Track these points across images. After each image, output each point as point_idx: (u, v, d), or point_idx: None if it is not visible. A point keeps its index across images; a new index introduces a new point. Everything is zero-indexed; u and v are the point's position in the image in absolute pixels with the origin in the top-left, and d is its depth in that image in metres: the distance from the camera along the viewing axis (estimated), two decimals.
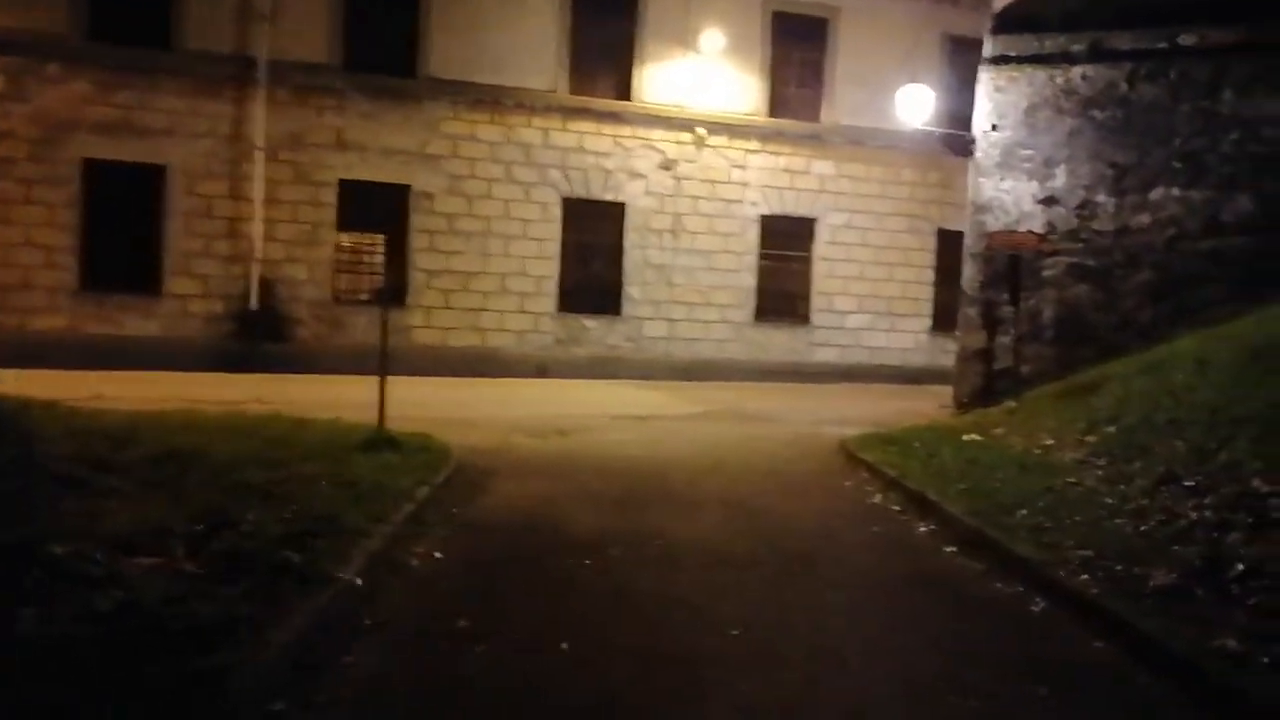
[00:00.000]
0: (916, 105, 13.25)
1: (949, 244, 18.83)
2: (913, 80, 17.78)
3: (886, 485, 7.52)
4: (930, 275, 19.14)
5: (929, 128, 13.40)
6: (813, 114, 18.43)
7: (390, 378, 14.91)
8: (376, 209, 16.22)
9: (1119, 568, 4.73)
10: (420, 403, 12.50)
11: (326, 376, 14.61)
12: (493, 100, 16.55)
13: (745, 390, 16.17)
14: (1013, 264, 11.36)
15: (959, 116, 15.27)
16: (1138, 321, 12.53)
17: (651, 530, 5.79)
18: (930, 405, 14.59)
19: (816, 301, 18.54)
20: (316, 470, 6.02)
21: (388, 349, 8.59)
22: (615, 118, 17.20)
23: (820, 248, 18.52)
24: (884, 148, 18.62)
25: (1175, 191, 12.38)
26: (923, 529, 6.17)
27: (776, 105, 18.17)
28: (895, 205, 18.83)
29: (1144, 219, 12.50)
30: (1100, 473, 7.15)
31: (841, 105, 18.38)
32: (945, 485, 6.90)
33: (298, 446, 6.90)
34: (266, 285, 15.65)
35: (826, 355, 18.53)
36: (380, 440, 7.33)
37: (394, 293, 16.23)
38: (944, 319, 18.83)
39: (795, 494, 7.32)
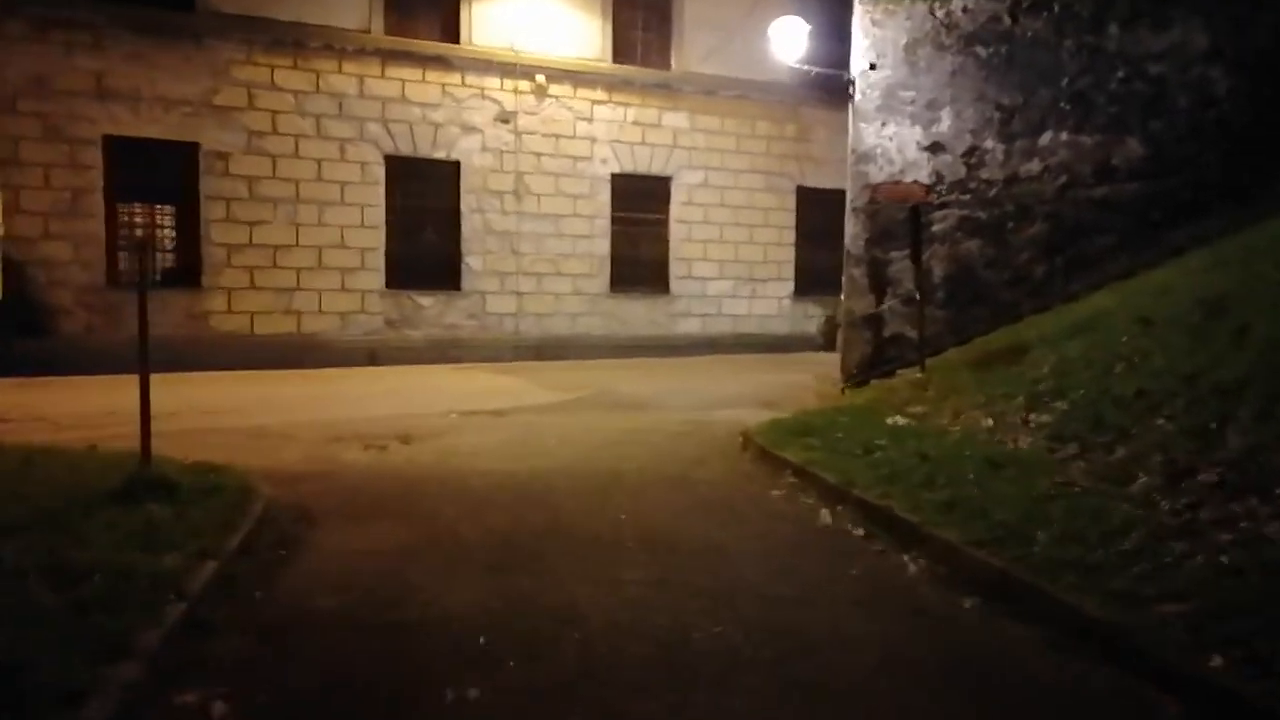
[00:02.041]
0: (791, 41, 11.79)
1: (809, 202, 17.80)
2: (764, 21, 16.44)
3: (829, 495, 6.00)
4: (791, 236, 17.99)
5: (806, 66, 11.98)
6: (662, 60, 16.79)
7: (183, 376, 12.35)
8: (158, 173, 13.44)
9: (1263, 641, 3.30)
10: (219, 409, 10.14)
11: (101, 378, 11.89)
12: (295, 41, 13.98)
13: (608, 369, 14.47)
14: (914, 216, 10.11)
15: (825, 62, 13.99)
16: (1031, 277, 11.63)
17: (558, 611, 3.96)
18: (810, 378, 13.38)
19: (675, 268, 17.02)
20: (20, 550, 3.86)
21: (152, 342, 6.29)
22: (442, 63, 14.97)
23: (677, 209, 16.99)
24: (737, 97, 17.24)
25: (1064, 135, 11.48)
26: (915, 568, 4.63)
27: (621, 51, 16.41)
28: (752, 161, 17.52)
29: (1034, 166, 11.56)
30: (1084, 465, 5.88)
31: (691, 51, 16.82)
32: (914, 497, 5.43)
33: (8, 502, 4.65)
34: (14, 268, 12.59)
35: (689, 326, 17.08)
36: (145, 483, 5.11)
37: (185, 272, 13.58)
38: (806, 283, 17.81)
39: (724, 517, 5.67)
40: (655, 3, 16.69)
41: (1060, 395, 7.24)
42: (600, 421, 9.61)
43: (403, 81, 14.72)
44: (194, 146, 13.50)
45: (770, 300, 17.80)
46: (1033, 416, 7.16)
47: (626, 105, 16.36)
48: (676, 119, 16.80)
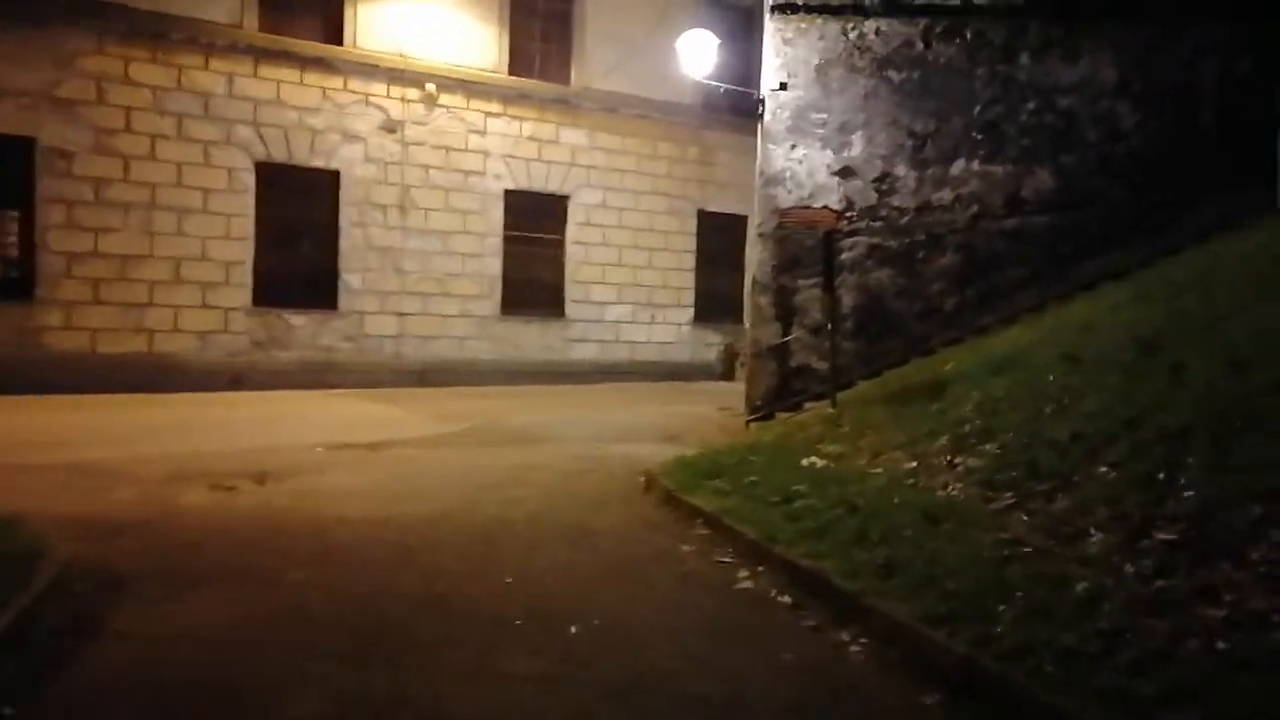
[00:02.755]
0: (699, 55, 11.19)
1: (711, 227, 17.29)
2: (668, 40, 15.89)
3: (749, 552, 5.24)
4: (692, 261, 17.40)
5: (715, 83, 11.39)
6: (561, 74, 16.02)
7: (8, 400, 10.84)
8: None
9: None
10: (42, 440, 8.77)
11: None
12: (155, 32, 12.64)
13: (498, 398, 13.50)
14: (826, 242, 9.56)
15: (733, 82, 13.47)
16: (942, 309, 11.27)
17: None
18: (713, 409, 12.74)
19: (571, 291, 16.19)
20: None
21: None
22: (323, 65, 13.84)
23: (574, 230, 16.18)
24: (639, 117, 16.61)
25: (976, 165, 11.21)
26: (859, 650, 3.88)
27: (518, 62, 15.57)
28: (653, 183, 16.88)
29: (945, 195, 11.24)
30: (1026, 518, 5.29)
31: (592, 65, 16.12)
32: (846, 556, 4.72)
33: None
34: None
35: (585, 352, 16.25)
36: None
37: (16, 283, 12.04)
38: (706, 309, 17.27)
39: (630, 581, 4.83)
40: (556, 13, 15.94)
41: (988, 437, 6.70)
42: (488, 458, 8.66)
43: (278, 83, 13.52)
44: (30, 142, 11.99)
45: (670, 327, 17.14)
46: (960, 460, 6.58)
47: (522, 119, 15.52)
48: (575, 136, 16.04)
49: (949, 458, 6.70)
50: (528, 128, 15.57)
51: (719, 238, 17.63)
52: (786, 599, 4.52)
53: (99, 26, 12.30)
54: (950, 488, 6.19)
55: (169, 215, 12.80)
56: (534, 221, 15.78)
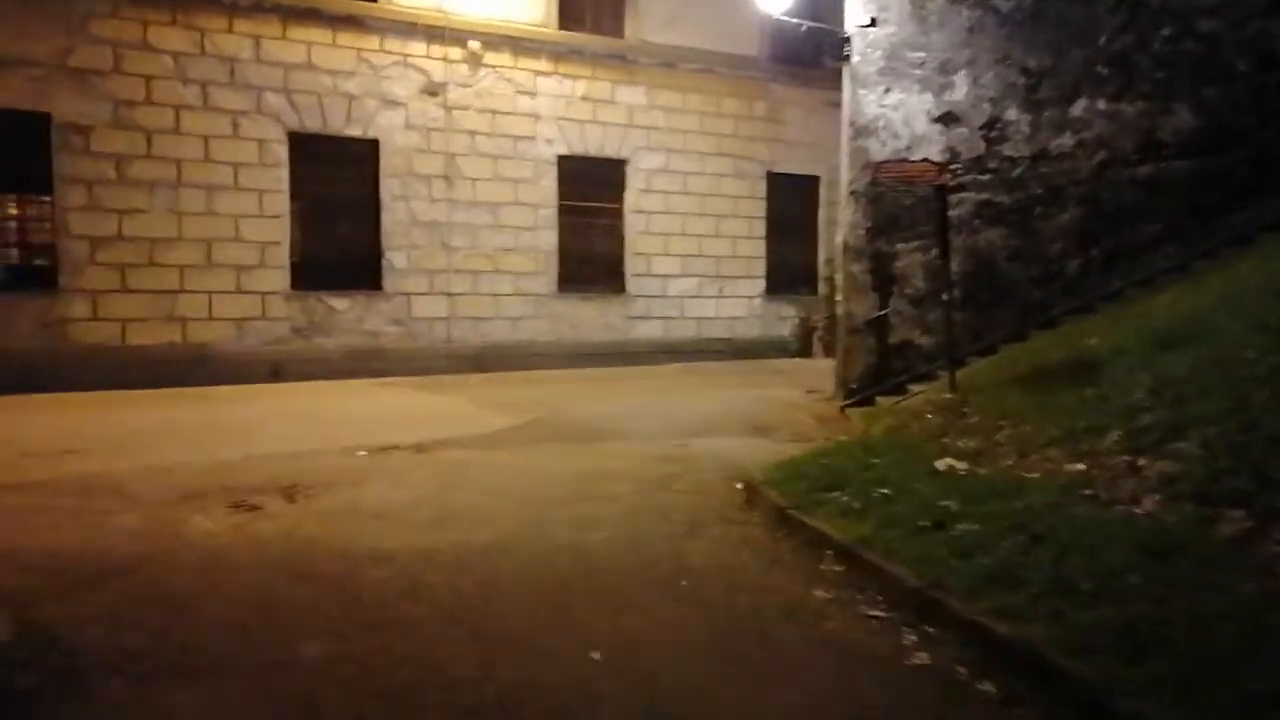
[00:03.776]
0: None
1: (781, 190, 15.88)
2: None
3: (909, 604, 3.95)
4: (762, 228, 16.00)
5: (795, 20, 9.97)
6: (615, 27, 14.67)
7: (30, 399, 9.96)
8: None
9: None
10: (49, 448, 7.76)
11: None
12: None
13: (557, 383, 12.32)
14: (940, 196, 8.15)
15: (812, 20, 12.01)
16: (1063, 273, 9.80)
17: None
18: (797, 392, 11.42)
19: (632, 264, 14.92)
20: None
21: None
22: (356, 24, 12.66)
23: (633, 197, 14.88)
24: (701, 71, 15.20)
25: (1102, 104, 9.67)
26: None
27: (569, 15, 14.25)
28: (718, 143, 15.49)
29: (1065, 140, 9.73)
30: None
31: (649, 16, 14.73)
32: (1055, 615, 3.41)
33: None
34: None
35: (648, 330, 15.00)
36: None
37: (37, 272, 11.14)
38: (778, 280, 15.90)
39: (758, 657, 3.56)
40: None
41: (1177, 432, 5.31)
42: (553, 460, 7.47)
43: (309, 45, 12.38)
44: (44, 118, 11.00)
45: (739, 300, 15.80)
46: (1146, 463, 5.22)
47: (575, 78, 14.21)
48: (633, 94, 14.69)
49: (1129, 459, 5.33)
50: (580, 87, 14.26)
51: (790, 201, 16.20)
52: (989, 687, 3.23)
53: None
54: (1144, 503, 4.84)
55: (197, 193, 11.77)
56: (590, 189, 14.52)
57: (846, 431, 8.59)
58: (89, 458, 7.40)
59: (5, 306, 10.87)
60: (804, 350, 16.17)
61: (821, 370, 13.70)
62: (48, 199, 11.20)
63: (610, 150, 14.59)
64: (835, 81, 16.36)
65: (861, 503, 5.23)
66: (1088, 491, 5.10)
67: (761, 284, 16.00)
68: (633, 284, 14.90)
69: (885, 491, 5.36)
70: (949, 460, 6.05)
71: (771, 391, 11.48)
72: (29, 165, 11.06)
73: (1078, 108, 9.61)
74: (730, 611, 4.03)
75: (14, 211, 11.30)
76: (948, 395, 7.99)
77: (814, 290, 16.54)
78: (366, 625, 3.85)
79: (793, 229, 16.29)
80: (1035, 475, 5.58)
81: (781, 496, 5.53)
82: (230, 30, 11.88)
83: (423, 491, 6.37)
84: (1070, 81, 9.59)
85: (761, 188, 15.92)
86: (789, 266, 16.25)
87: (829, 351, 16.14)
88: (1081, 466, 5.51)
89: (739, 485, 6.40)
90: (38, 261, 11.30)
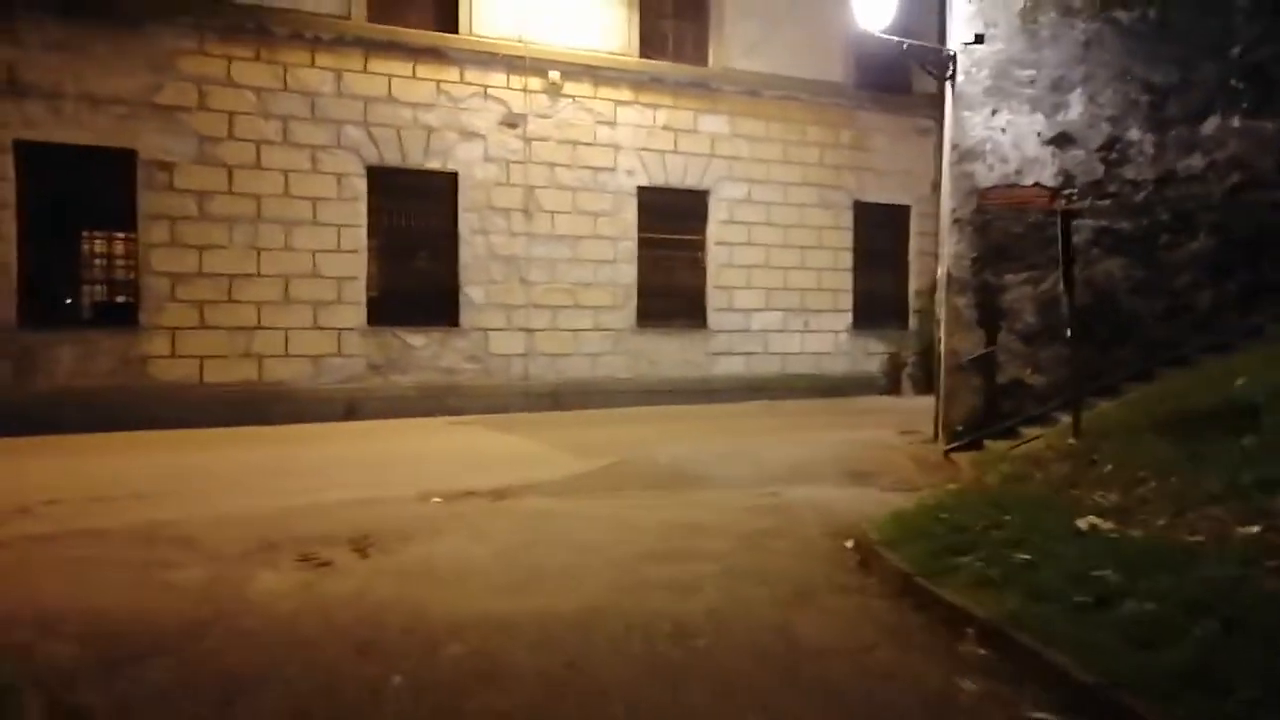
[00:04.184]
0: (877, 4, 9.21)
1: (868, 220, 15.25)
2: (813, 9, 13.99)
3: (1086, 707, 3.29)
4: (849, 260, 15.34)
5: (897, 39, 9.40)
6: (698, 55, 14.28)
7: (111, 438, 9.86)
8: (86, 185, 10.97)
9: None
10: (120, 491, 7.51)
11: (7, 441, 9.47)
12: (258, 27, 11.54)
13: (638, 423, 11.82)
14: (1064, 224, 7.45)
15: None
16: (1193, 307, 8.96)
17: None
18: (893, 433, 10.71)
19: (714, 298, 14.40)
20: None
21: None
22: (436, 55, 12.50)
23: (715, 229, 14.40)
24: (785, 98, 14.70)
25: (1236, 121, 8.87)
26: None
27: (650, 43, 13.92)
28: (803, 173, 14.93)
29: (1195, 162, 8.94)
30: None
31: (732, 43, 14.31)
32: None
33: None
34: None
35: (730, 366, 14.43)
36: None
37: (119, 308, 11.10)
38: (866, 314, 15.21)
39: None
40: None
41: None
42: (638, 511, 6.93)
43: (389, 77, 12.24)
44: (130, 155, 11.01)
45: (825, 335, 15.14)
46: None
47: (656, 107, 13.84)
48: (715, 123, 14.25)
49: None
50: (662, 116, 13.88)
51: (878, 232, 15.53)
52: None
53: (199, 24, 11.25)
54: None
55: (276, 229, 11.65)
56: (671, 221, 14.08)
57: (955, 479, 7.88)
58: (159, 503, 7.12)
59: (88, 344, 10.83)
60: (893, 388, 15.40)
61: (915, 409, 12.95)
62: (132, 235, 11.19)
63: (692, 181, 14.14)
64: (924, 108, 15.78)
65: (999, 570, 4.56)
66: (1273, 563, 4.36)
67: (848, 318, 15.32)
68: (714, 318, 14.37)
69: (1025, 556, 4.69)
70: (1091, 519, 5.33)
71: (864, 433, 10.79)
72: (114, 202, 11.08)
73: (1209, 126, 8.83)
74: (867, 708, 3.42)
75: (99, 248, 11.31)
76: (1072, 441, 7.24)
77: (904, 325, 15.80)
78: (439, 714, 3.35)
79: (881, 260, 15.61)
80: (1199, 539, 4.85)
81: (903, 560, 4.89)
82: (312, 64, 11.81)
83: (502, 546, 5.89)
84: (1200, 97, 8.83)
85: (848, 218, 15.28)
86: (877, 300, 15.55)
87: (920, 389, 15.36)
88: (1256, 529, 4.76)
89: (848, 544, 5.77)
90: (120, 298, 11.28)
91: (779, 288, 14.77)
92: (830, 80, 14.91)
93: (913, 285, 15.87)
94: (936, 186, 15.87)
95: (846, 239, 15.28)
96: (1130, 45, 8.90)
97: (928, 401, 14.32)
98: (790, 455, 9.37)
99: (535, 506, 7.12)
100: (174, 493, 7.55)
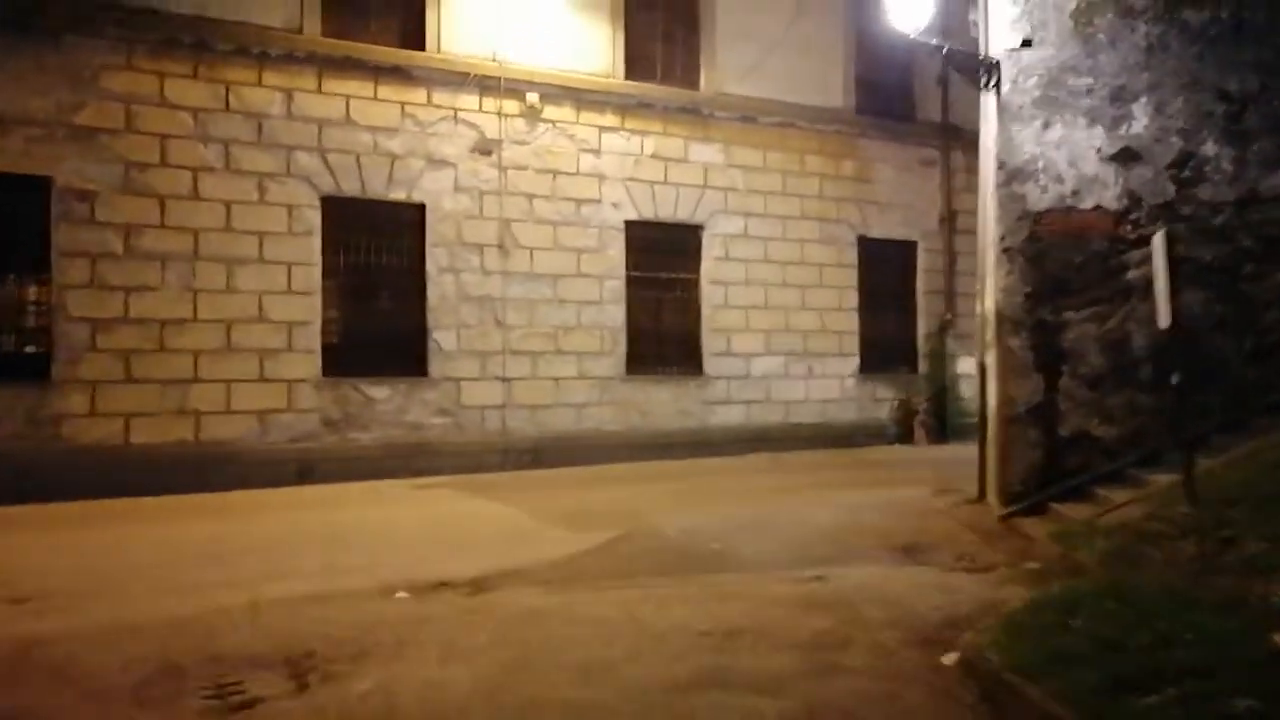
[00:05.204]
0: (911, 3, 8.04)
1: (874, 256, 14.08)
2: (813, 31, 12.94)
3: None
4: (854, 299, 14.12)
5: (934, 41, 8.23)
6: (688, 78, 13.12)
7: (18, 510, 8.36)
8: None
9: None
10: (13, 587, 5.97)
11: None
12: (196, 41, 10.19)
13: (633, 483, 10.38)
14: (1170, 248, 6.18)
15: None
16: None
17: None
18: (925, 491, 9.41)
19: (710, 342, 13.08)
20: None
21: None
22: (401, 75, 11.21)
23: (709, 266, 13.13)
24: (782, 125, 13.58)
25: None
26: None
27: (637, 65, 12.74)
28: (803, 205, 13.76)
29: None
30: None
31: (725, 66, 13.18)
32: None
33: None
34: None
35: (729, 416, 13.07)
36: None
37: (28, 360, 9.56)
38: (873, 358, 13.96)
39: None
40: (680, 6, 13.09)
41: None
42: (655, 608, 5.48)
43: (347, 98, 10.92)
44: (45, 183, 9.55)
45: (830, 381, 13.85)
46: None
47: (644, 134, 12.62)
48: (708, 152, 13.06)
49: None
50: (650, 144, 12.66)
51: (884, 270, 14.37)
52: None
53: (128, 37, 9.88)
54: None
55: (216, 267, 10.20)
56: (661, 258, 12.80)
57: (1031, 555, 6.55)
58: (46, 609, 5.57)
59: None
60: (905, 436, 14.13)
61: (939, 462, 11.67)
62: (45, 275, 9.68)
63: (684, 214, 12.89)
64: (929, 136, 14.71)
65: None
66: None
67: (855, 362, 14.06)
68: (711, 364, 13.03)
69: (1247, 703, 3.30)
70: None
71: (893, 491, 9.44)
72: (24, 237, 9.58)
73: None
74: None
75: (6, 291, 9.77)
76: (1186, 510, 5.93)
77: (913, 368, 14.58)
78: None
79: (888, 300, 14.43)
80: None
81: (1060, 703, 3.48)
82: (259, 83, 10.46)
83: (484, 669, 4.42)
84: None
85: (852, 254, 14.10)
86: (885, 342, 14.33)
87: (934, 438, 14.10)
88: None
89: (946, 659, 4.38)
90: (29, 349, 9.71)
91: (780, 330, 13.49)
92: (831, 106, 13.82)
93: (921, 327, 14.69)
94: (944, 220, 14.85)
95: (851, 277, 14.07)
96: (1200, 49, 7.78)
97: (948, 452, 13.11)
98: (818, 522, 7.99)
99: (524, 603, 5.65)
100: (71, 592, 5.99)
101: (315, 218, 10.71)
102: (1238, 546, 5.16)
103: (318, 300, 10.72)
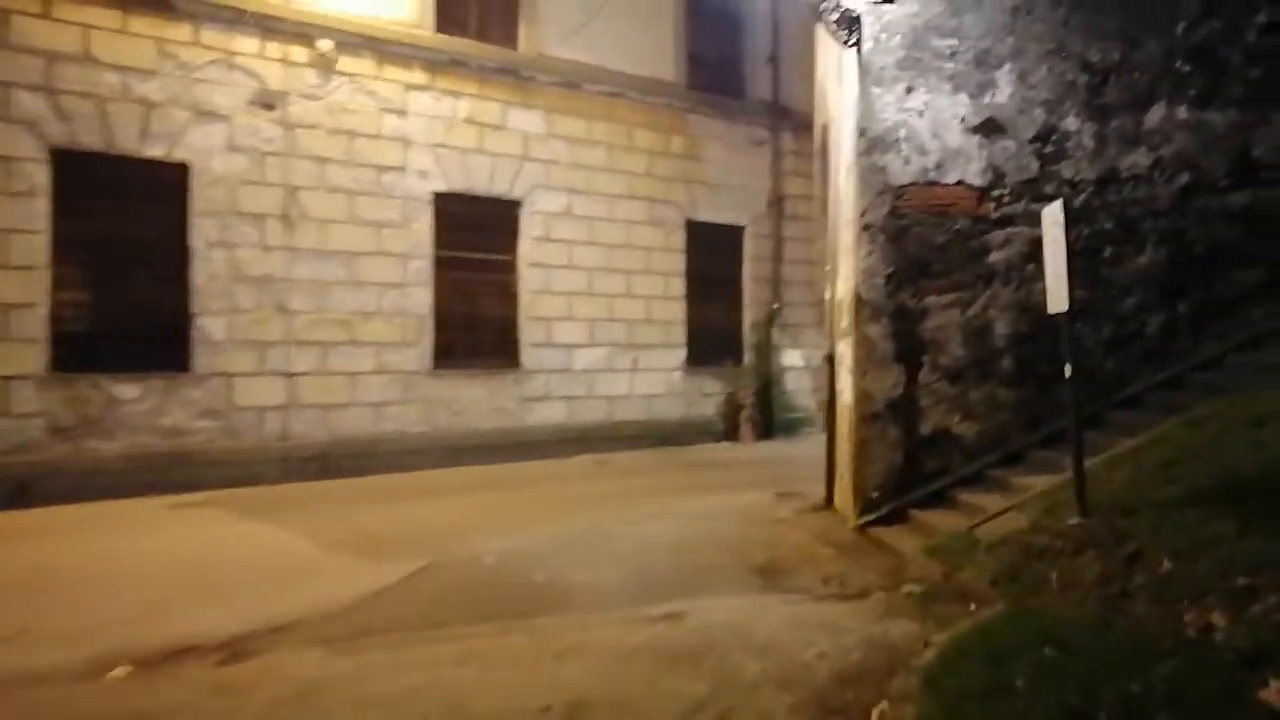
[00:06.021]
0: None
1: (702, 241, 13.26)
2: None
3: None
4: (681, 286, 13.21)
5: None
6: (506, 36, 11.74)
7: None
8: None
9: None
10: None
11: None
12: None
13: (440, 495, 8.97)
14: (1066, 221, 5.44)
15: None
16: (1141, 334, 7.34)
17: None
18: (766, 496, 8.60)
19: (529, 331, 11.79)
20: None
21: None
22: (159, 5, 9.25)
23: (528, 247, 11.83)
24: (610, 95, 12.46)
25: (1183, 111, 7.38)
26: None
27: (450, 16, 11.25)
28: (630, 184, 12.69)
29: (1140, 158, 7.38)
30: None
31: (548, 25, 11.90)
32: None
33: None
34: None
35: (549, 414, 11.83)
36: None
37: None
38: (701, 349, 13.14)
39: None
40: None
41: None
42: (475, 673, 4.21)
43: (86, 28, 8.87)
44: None
45: (657, 374, 12.87)
46: None
47: (457, 95, 11.16)
48: (528, 119, 11.74)
49: None
50: (464, 107, 11.21)
51: (712, 255, 13.54)
52: None
53: None
54: None
55: None
56: (475, 237, 11.37)
57: (904, 573, 5.75)
58: None
59: None
60: (732, 433, 13.38)
61: (772, 461, 10.96)
62: None
63: (500, 188, 11.53)
64: (760, 115, 14.01)
65: None
66: None
67: (682, 354, 13.15)
68: (529, 356, 11.75)
69: None
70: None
71: (732, 497, 8.57)
72: None
73: (1154, 115, 7.31)
74: None
75: None
76: (1074, 519, 5.23)
77: (738, 360, 13.84)
78: None
79: (715, 288, 13.61)
80: None
81: None
82: None
83: None
84: (1144, 81, 7.29)
85: (680, 239, 13.18)
86: (712, 333, 13.50)
87: (760, 434, 13.42)
88: None
89: None
90: None
91: (604, 319, 12.38)
92: (661, 78, 12.83)
93: (747, 316, 13.98)
94: (773, 204, 14.19)
95: (679, 262, 13.15)
96: (1064, 14, 7.26)
97: (776, 450, 12.43)
98: (658, 538, 6.94)
99: (297, 675, 4.22)
100: None
101: (42, 174, 8.61)
102: (1145, 564, 4.46)
103: (46, 277, 8.62)
